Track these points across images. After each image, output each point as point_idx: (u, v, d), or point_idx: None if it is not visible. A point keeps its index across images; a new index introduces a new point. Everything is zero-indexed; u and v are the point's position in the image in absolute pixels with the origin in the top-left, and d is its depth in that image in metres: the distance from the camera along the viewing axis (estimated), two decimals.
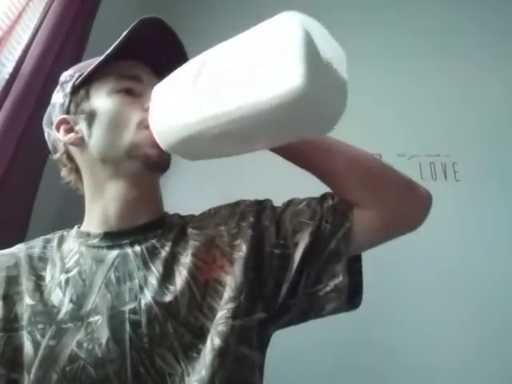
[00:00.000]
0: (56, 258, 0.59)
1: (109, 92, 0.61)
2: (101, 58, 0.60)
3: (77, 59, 1.10)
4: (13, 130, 0.96)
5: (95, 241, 0.59)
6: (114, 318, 0.52)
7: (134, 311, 0.53)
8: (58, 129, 0.63)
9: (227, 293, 0.54)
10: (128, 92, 0.61)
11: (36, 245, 0.62)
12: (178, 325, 0.52)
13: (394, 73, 1.54)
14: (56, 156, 0.66)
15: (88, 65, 0.62)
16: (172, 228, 0.62)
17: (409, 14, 1.60)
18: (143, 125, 0.58)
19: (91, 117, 0.61)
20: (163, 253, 0.58)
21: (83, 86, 0.62)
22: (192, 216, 0.67)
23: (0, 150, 0.94)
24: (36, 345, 0.51)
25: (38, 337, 0.51)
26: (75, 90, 0.63)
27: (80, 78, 0.62)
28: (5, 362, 0.51)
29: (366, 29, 1.59)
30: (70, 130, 0.62)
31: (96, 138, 0.60)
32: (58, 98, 0.65)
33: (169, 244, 0.59)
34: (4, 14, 0.98)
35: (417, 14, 1.60)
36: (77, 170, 0.64)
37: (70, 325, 0.52)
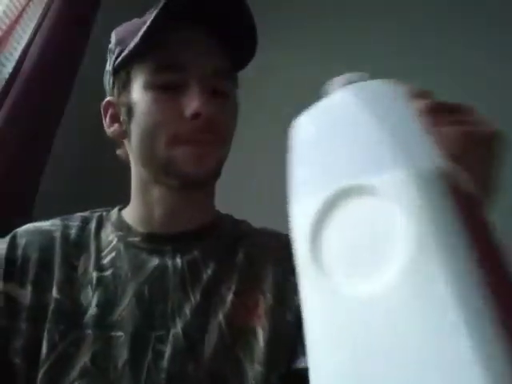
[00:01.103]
0: (92, 247, 0.53)
1: (145, 85, 0.51)
2: (142, 31, 0.48)
3: (77, 59, 1.10)
4: (13, 130, 0.96)
5: (136, 239, 0.54)
6: (138, 341, 0.47)
7: (160, 339, 0.47)
8: (105, 113, 0.57)
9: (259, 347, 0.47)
10: (167, 87, 0.50)
11: (73, 224, 0.56)
12: (198, 368, 0.46)
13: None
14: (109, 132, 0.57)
15: (134, 30, 0.51)
16: (221, 240, 0.56)
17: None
18: (179, 139, 0.49)
19: (130, 111, 0.53)
20: (204, 276, 0.51)
21: (124, 67, 0.53)
22: (248, 227, 0.60)
23: (1, 150, 0.94)
24: (51, 346, 0.46)
25: (57, 338, 0.46)
26: (115, 71, 0.54)
27: (119, 59, 0.53)
28: (29, 354, 0.46)
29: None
30: (115, 119, 0.56)
31: (134, 139, 0.53)
32: (108, 65, 0.56)
33: (212, 264, 0.52)
34: (4, 13, 0.98)
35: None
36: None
37: (89, 332, 0.47)
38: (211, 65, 0.52)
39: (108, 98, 0.57)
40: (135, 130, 0.52)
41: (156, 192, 0.54)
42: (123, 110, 0.54)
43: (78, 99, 1.09)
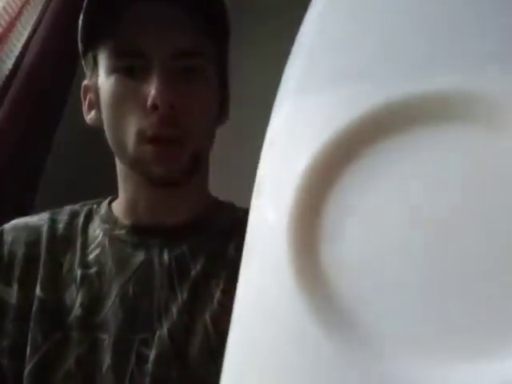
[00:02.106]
0: (78, 243, 0.50)
1: (107, 69, 0.47)
2: (84, 6, 0.46)
3: (78, 56, 1.10)
4: (13, 128, 0.96)
5: (121, 232, 0.51)
6: (121, 345, 0.44)
7: (145, 343, 0.44)
8: (84, 98, 0.53)
9: None
10: (129, 72, 0.46)
11: (61, 218, 0.53)
12: (183, 372, 0.43)
13: None
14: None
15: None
16: (213, 233, 0.52)
17: None
18: (144, 136, 0.46)
19: (97, 97, 0.49)
20: (193, 272, 0.48)
21: (90, 50, 0.49)
22: (247, 214, 0.56)
23: (0, 149, 0.94)
24: (35, 347, 0.44)
25: (40, 339, 0.45)
26: (84, 52, 0.51)
27: (81, 39, 0.49)
28: (17, 353, 0.45)
29: None
30: (92, 105, 0.52)
31: (106, 129, 0.50)
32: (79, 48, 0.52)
33: (202, 260, 0.49)
34: (3, 9, 0.98)
35: None
36: None
37: (73, 333, 0.45)
38: (173, 46, 0.46)
39: (85, 82, 0.53)
40: (105, 119, 0.49)
41: (135, 184, 0.51)
42: (94, 96, 0.51)
43: (77, 98, 1.09)
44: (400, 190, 0.17)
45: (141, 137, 0.46)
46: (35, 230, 0.51)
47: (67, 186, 1.13)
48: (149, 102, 0.44)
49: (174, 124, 0.46)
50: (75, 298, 0.47)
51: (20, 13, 1.01)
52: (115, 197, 0.56)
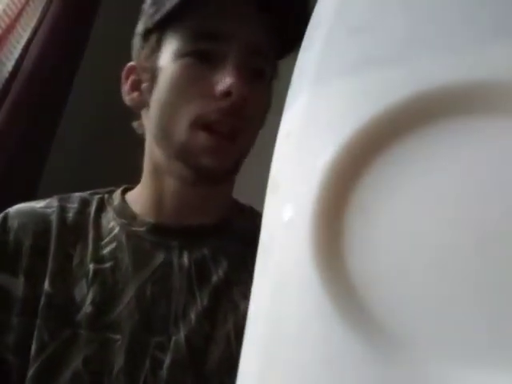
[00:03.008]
0: (90, 234, 0.48)
1: (176, 52, 0.45)
2: None
3: (77, 58, 1.09)
4: (13, 129, 0.95)
5: (141, 229, 0.48)
6: (135, 347, 0.42)
7: (160, 346, 0.42)
8: (125, 78, 0.51)
9: None
10: (201, 57, 0.44)
11: (71, 206, 0.50)
12: (198, 379, 0.41)
13: None
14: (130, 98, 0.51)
15: None
16: (236, 237, 0.49)
17: None
18: (203, 121, 0.44)
19: (154, 78, 0.47)
20: (214, 277, 0.46)
21: (156, 30, 0.47)
22: None
23: (1, 149, 0.94)
24: (41, 346, 0.42)
25: (46, 337, 0.42)
26: (147, 32, 0.48)
27: (152, 19, 0.47)
28: (22, 351, 0.42)
29: None
30: (136, 86, 0.50)
31: (153, 111, 0.47)
32: (138, 26, 0.50)
33: (224, 265, 0.47)
34: (3, 12, 0.98)
35: None
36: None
37: (82, 332, 0.42)
38: (255, 40, 0.45)
39: (131, 63, 0.51)
40: (156, 101, 0.47)
41: (168, 179, 0.49)
42: (147, 77, 0.48)
43: (77, 98, 1.09)
44: (431, 188, 0.15)
45: (197, 123, 0.44)
46: (44, 219, 0.48)
47: (67, 185, 1.12)
48: (222, 88, 0.42)
49: (239, 116, 0.44)
50: (86, 294, 0.44)
51: (20, 15, 1.01)
52: (128, 187, 0.53)
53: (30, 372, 0.41)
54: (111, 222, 0.49)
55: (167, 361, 0.41)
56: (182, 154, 0.46)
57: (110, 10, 1.13)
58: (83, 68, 1.10)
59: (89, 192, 0.53)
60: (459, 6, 0.15)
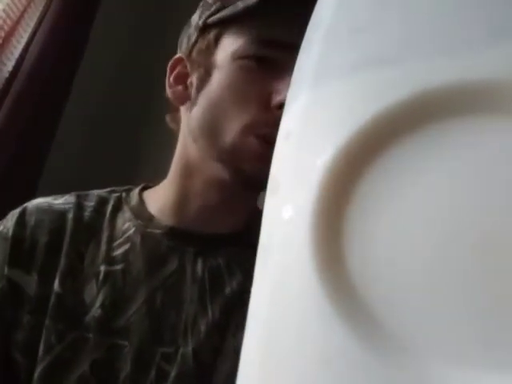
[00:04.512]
0: (104, 234, 0.47)
1: (236, 53, 0.43)
2: None
3: (77, 58, 1.09)
4: (13, 128, 0.95)
5: (157, 232, 0.47)
6: (142, 356, 0.41)
7: (167, 357, 0.41)
8: (171, 70, 0.50)
9: None
10: (260, 62, 0.43)
11: (88, 204, 0.49)
12: None
13: None
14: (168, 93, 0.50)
15: None
16: (253, 247, 0.49)
17: None
18: (252, 130, 0.42)
19: (206, 74, 0.45)
20: (228, 289, 0.45)
21: (216, 26, 0.45)
22: None
23: (1, 149, 0.94)
24: (47, 347, 0.41)
25: (53, 339, 0.42)
26: (205, 26, 0.46)
27: (217, 15, 0.45)
28: (30, 351, 0.42)
29: None
30: (181, 79, 0.48)
31: (199, 108, 0.46)
32: (194, 18, 0.48)
33: (239, 276, 0.45)
34: (4, 12, 0.98)
35: None
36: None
37: (90, 336, 0.42)
38: None
39: (180, 55, 0.49)
40: (206, 98, 0.45)
41: (199, 179, 0.47)
42: (197, 72, 0.47)
43: (77, 98, 1.09)
44: (431, 188, 0.15)
45: (249, 129, 0.42)
46: (60, 216, 0.47)
47: (67, 185, 1.12)
48: (280, 100, 0.40)
49: None
50: (95, 297, 0.43)
51: (21, 16, 1.01)
52: (146, 185, 0.52)
53: (37, 373, 0.41)
54: (127, 223, 0.48)
55: (173, 373, 0.41)
56: (228, 156, 0.44)
57: (110, 10, 1.13)
58: (83, 68, 1.11)
59: (107, 190, 0.52)
60: (458, 7, 0.15)
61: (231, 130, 0.43)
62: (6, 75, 0.99)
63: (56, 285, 0.44)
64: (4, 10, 0.98)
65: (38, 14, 1.04)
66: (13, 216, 0.47)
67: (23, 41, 1.02)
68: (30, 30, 1.03)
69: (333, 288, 0.16)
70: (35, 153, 1.01)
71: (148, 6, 1.25)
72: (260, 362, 0.17)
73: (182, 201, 0.48)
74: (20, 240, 0.46)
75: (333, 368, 0.15)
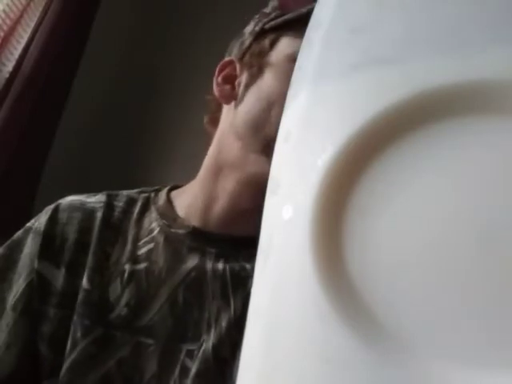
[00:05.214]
0: (130, 234, 0.47)
1: (291, 56, 0.44)
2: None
3: (77, 58, 1.09)
4: (13, 128, 0.95)
5: (180, 232, 0.47)
6: (168, 354, 0.42)
7: (190, 354, 0.41)
8: (219, 71, 0.51)
9: None
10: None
11: (118, 204, 0.49)
12: None
13: None
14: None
15: (302, 1, 0.45)
16: None
17: None
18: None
19: (258, 72, 0.47)
20: (250, 282, 0.47)
21: (273, 32, 0.47)
22: None
23: (1, 149, 0.94)
24: (73, 343, 0.42)
25: (79, 334, 0.42)
26: (262, 32, 0.48)
27: (277, 20, 0.47)
28: (56, 345, 0.42)
29: None
30: (229, 80, 0.50)
31: (245, 105, 0.47)
32: (249, 27, 0.50)
33: None
34: (4, 12, 0.98)
35: None
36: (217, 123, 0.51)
37: (117, 333, 0.42)
38: None
39: (230, 58, 0.51)
40: (254, 92, 0.46)
41: (233, 180, 0.47)
42: (248, 72, 0.48)
43: (77, 98, 1.09)
44: (431, 187, 0.15)
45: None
46: (90, 214, 0.48)
47: (67, 186, 1.12)
48: None
49: None
50: (120, 295, 0.44)
51: (21, 16, 1.01)
52: (175, 185, 0.53)
53: (64, 368, 0.41)
54: (153, 223, 0.48)
55: (193, 370, 0.41)
56: (273, 147, 0.45)
57: (110, 10, 1.13)
58: (83, 68, 1.11)
59: (137, 190, 0.52)
60: (458, 7, 0.15)
61: (278, 123, 0.44)
62: (6, 75, 0.98)
63: (84, 281, 0.44)
64: (4, 10, 0.98)
65: (37, 13, 1.04)
66: (46, 212, 0.48)
67: (23, 41, 1.02)
68: (29, 30, 1.03)
69: (333, 288, 0.16)
70: (35, 153, 1.00)
71: (148, 6, 1.25)
72: (260, 362, 0.17)
73: (209, 202, 0.48)
74: (51, 236, 0.47)
75: (333, 367, 0.16)
